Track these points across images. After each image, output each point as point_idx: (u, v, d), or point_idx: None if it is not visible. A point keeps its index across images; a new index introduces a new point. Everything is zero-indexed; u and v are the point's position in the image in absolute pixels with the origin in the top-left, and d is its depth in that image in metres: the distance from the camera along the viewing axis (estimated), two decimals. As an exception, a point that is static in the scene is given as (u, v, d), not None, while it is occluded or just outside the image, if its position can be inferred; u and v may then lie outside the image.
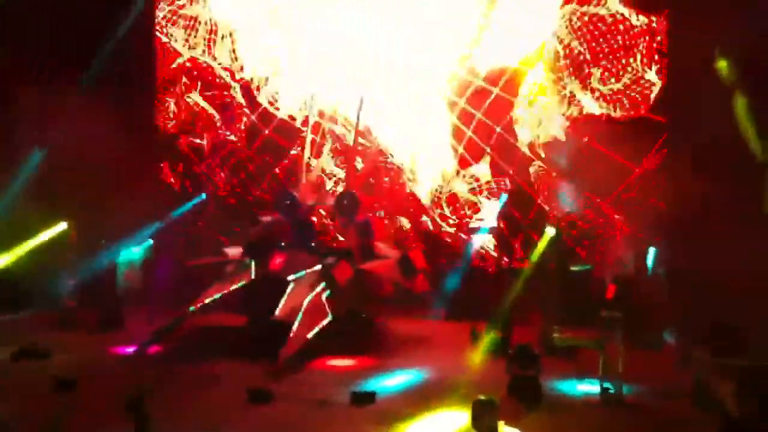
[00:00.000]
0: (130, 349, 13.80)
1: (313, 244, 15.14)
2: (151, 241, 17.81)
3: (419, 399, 11.22)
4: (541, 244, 14.95)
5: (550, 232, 14.99)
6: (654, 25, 16.47)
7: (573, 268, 15.42)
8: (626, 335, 11.60)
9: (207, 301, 14.07)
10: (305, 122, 18.06)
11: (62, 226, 17.25)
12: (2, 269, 16.37)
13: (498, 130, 17.50)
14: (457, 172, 17.87)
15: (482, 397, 6.40)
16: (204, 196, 18.49)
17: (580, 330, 13.63)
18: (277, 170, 18.73)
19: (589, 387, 11.61)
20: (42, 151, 17.33)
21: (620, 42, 16.73)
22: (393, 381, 12.28)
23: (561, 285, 14.68)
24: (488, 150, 17.60)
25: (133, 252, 17.41)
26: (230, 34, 18.81)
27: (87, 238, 17.27)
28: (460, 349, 14.03)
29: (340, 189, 17.47)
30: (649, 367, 12.39)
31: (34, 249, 16.98)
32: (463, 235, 17.68)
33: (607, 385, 11.27)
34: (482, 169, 17.71)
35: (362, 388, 11.64)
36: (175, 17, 19.07)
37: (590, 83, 16.84)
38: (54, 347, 13.72)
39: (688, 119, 15.17)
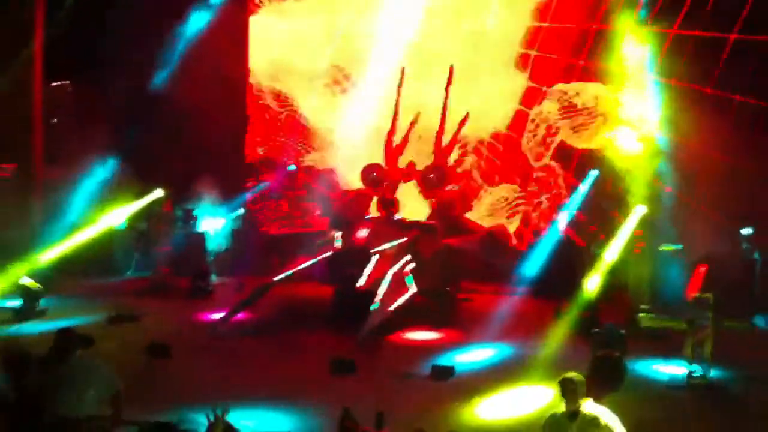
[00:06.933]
0: (217, 316, 14.14)
1: (397, 217, 15.16)
2: (240, 211, 18.17)
3: (499, 374, 11.21)
4: (631, 223, 14.59)
5: (640, 210, 14.62)
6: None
7: (663, 248, 15.04)
8: (716, 317, 11.29)
9: (293, 270, 14.27)
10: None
11: (158, 193, 17.66)
12: (100, 235, 16.85)
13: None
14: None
15: (570, 375, 6.36)
16: (293, 167, 18.64)
17: (669, 311, 13.37)
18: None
19: (676, 369, 11.35)
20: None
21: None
22: (474, 356, 12.28)
23: (651, 264, 14.36)
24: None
25: (222, 221, 17.79)
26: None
27: (179, 207, 17.74)
28: (543, 327, 13.86)
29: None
30: (739, 351, 12.01)
31: (130, 216, 17.47)
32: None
33: (693, 368, 10.99)
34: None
35: (443, 362, 11.69)
36: None
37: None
38: (146, 313, 14.18)
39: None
